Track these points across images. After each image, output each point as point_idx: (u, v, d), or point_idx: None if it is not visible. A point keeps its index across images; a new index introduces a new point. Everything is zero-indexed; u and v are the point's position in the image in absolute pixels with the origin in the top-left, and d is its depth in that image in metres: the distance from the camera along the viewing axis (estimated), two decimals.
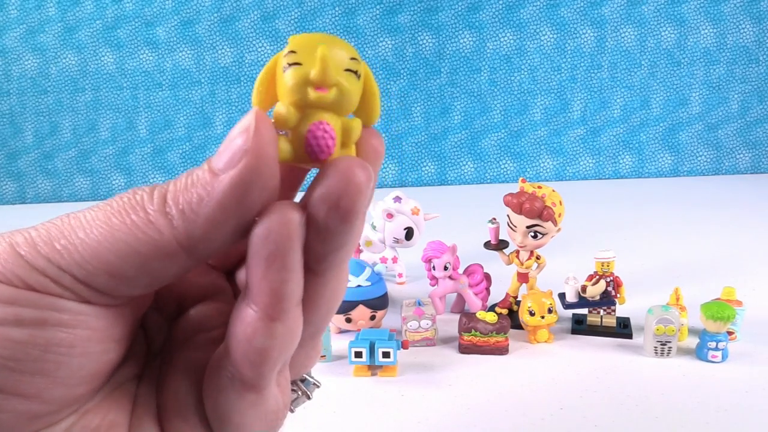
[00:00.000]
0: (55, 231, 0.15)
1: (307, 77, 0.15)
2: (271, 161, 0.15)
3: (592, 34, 1.57)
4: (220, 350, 0.17)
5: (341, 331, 0.73)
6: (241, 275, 0.20)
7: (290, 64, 0.15)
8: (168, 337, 0.19)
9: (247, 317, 0.15)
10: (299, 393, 0.21)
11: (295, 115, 0.15)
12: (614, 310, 0.74)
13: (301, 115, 0.16)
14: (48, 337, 0.15)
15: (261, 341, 0.15)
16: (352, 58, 0.16)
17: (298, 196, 0.17)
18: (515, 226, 0.70)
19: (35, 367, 0.14)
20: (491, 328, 0.66)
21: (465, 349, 0.67)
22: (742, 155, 1.64)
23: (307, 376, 0.22)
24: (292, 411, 0.20)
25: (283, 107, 0.15)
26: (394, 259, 0.89)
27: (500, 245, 0.76)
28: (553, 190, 0.70)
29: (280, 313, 0.15)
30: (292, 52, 0.16)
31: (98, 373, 0.16)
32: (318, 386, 0.22)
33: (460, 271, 0.78)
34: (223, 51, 1.60)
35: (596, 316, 0.73)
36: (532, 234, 0.70)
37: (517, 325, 0.72)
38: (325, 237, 0.15)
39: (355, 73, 0.16)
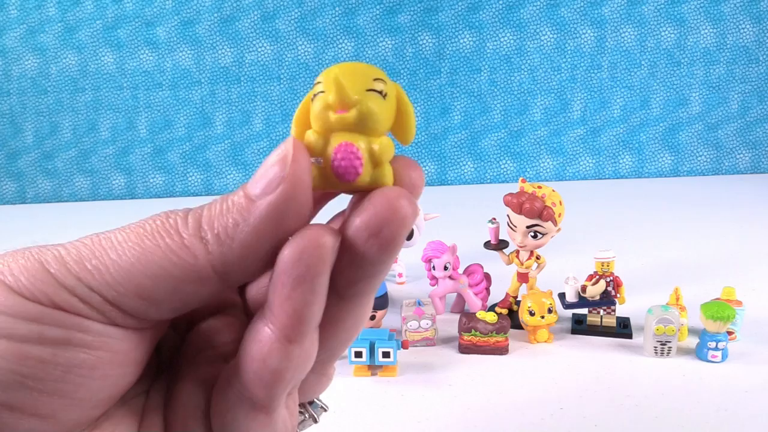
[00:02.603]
0: (86, 251, 0.15)
1: (328, 102, 0.15)
2: (306, 188, 0.15)
3: (592, 34, 1.57)
4: (232, 366, 0.16)
5: None
6: (252, 290, 0.19)
7: (315, 95, 0.16)
8: (177, 351, 0.19)
9: (263, 337, 0.15)
10: (306, 416, 0.21)
11: (318, 140, 0.16)
12: (614, 310, 0.74)
13: (325, 140, 0.16)
14: (70, 358, 0.14)
15: (276, 362, 0.15)
16: (377, 79, 0.16)
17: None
18: (515, 226, 0.70)
19: (55, 387, 0.14)
20: (491, 328, 0.66)
21: (465, 349, 0.67)
22: (742, 155, 1.64)
23: (315, 399, 0.22)
24: None
25: (309, 134, 0.16)
26: (395, 259, 0.89)
27: (500, 245, 0.76)
28: (553, 190, 0.70)
29: (299, 335, 0.15)
30: (318, 83, 0.16)
31: (115, 395, 0.16)
32: (326, 410, 0.22)
33: (460, 271, 0.78)
34: (223, 51, 1.60)
35: (596, 316, 0.73)
36: (532, 234, 0.70)
37: (517, 325, 0.72)
38: (360, 264, 0.15)
39: (380, 92, 0.16)
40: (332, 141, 0.16)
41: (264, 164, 0.15)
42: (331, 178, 0.16)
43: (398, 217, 0.15)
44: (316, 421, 0.21)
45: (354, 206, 0.16)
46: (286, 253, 0.15)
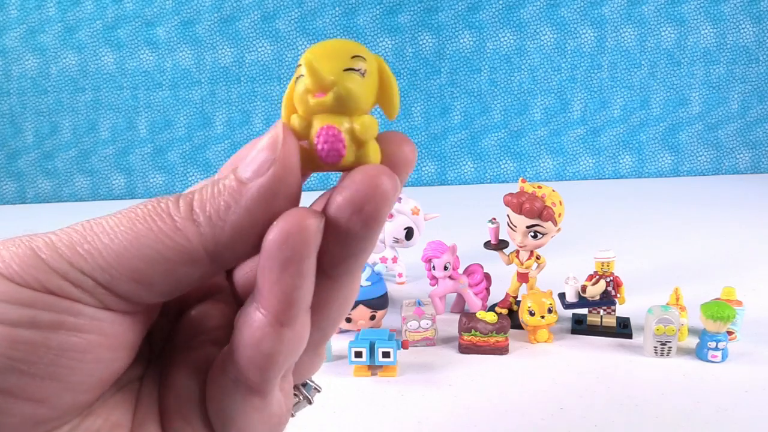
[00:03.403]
0: (77, 236, 0.15)
1: (306, 86, 0.16)
2: (295, 170, 0.15)
3: (592, 34, 1.57)
4: (225, 352, 0.17)
5: (341, 331, 0.73)
6: (238, 274, 0.19)
7: (298, 78, 0.16)
8: (169, 337, 0.19)
9: (255, 321, 0.15)
10: (300, 397, 0.21)
11: (300, 123, 0.16)
12: (614, 310, 0.74)
13: (308, 123, 0.16)
14: (62, 341, 0.15)
15: (269, 346, 0.15)
16: (355, 56, 0.16)
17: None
18: (515, 226, 0.70)
19: (47, 371, 0.14)
20: (491, 328, 0.66)
21: (465, 349, 0.67)
22: (742, 155, 1.64)
23: (308, 381, 0.22)
24: (293, 415, 0.20)
25: (294, 118, 0.16)
26: (394, 259, 0.89)
27: (500, 245, 0.76)
28: (553, 190, 0.70)
29: (290, 318, 0.15)
30: (299, 66, 0.16)
31: (107, 380, 0.16)
32: (319, 391, 0.22)
33: (460, 271, 0.78)
34: (223, 51, 1.60)
35: (596, 316, 0.73)
36: (532, 234, 0.70)
37: (517, 325, 0.72)
38: (345, 241, 0.15)
39: (358, 70, 0.16)
40: (314, 124, 0.16)
41: (254, 149, 0.15)
42: (317, 160, 0.16)
43: (379, 193, 0.15)
44: (310, 402, 0.22)
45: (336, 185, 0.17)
46: (271, 238, 0.15)
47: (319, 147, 0.16)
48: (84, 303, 0.15)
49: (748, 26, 1.56)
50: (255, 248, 0.16)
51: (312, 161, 0.16)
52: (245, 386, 0.16)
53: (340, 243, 0.15)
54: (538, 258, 0.74)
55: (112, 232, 0.15)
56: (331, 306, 0.17)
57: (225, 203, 0.15)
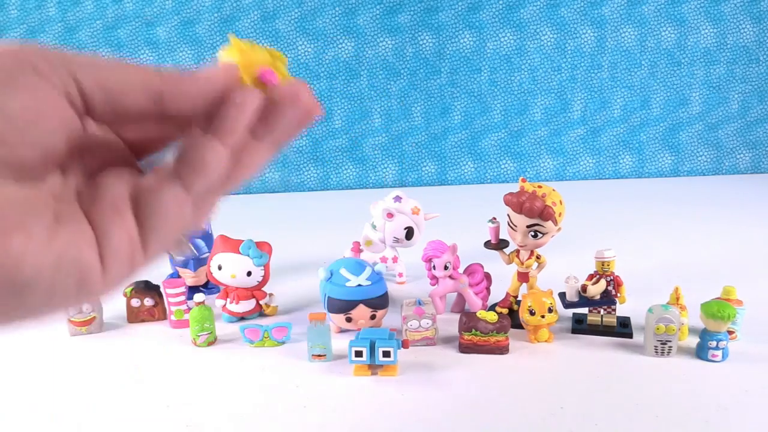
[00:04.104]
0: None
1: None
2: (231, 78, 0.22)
3: (592, 34, 1.57)
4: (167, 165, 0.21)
5: (341, 331, 0.73)
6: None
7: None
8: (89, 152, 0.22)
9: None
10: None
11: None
12: (614, 310, 0.74)
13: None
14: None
15: (241, 98, 0.21)
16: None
17: None
18: (515, 226, 0.70)
19: None
20: (491, 327, 0.66)
21: (465, 348, 0.67)
22: (742, 155, 1.64)
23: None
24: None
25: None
26: (395, 259, 0.89)
27: (500, 245, 0.76)
28: (553, 190, 0.70)
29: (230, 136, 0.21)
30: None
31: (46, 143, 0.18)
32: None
33: (461, 270, 0.78)
34: None
35: (596, 315, 0.73)
36: (533, 233, 0.70)
37: (518, 325, 0.72)
38: (276, 116, 0.22)
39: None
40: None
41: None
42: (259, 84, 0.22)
43: (302, 98, 0.22)
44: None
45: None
46: (239, 93, 0.21)
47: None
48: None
49: (748, 26, 1.56)
50: (189, 110, 0.21)
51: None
52: (178, 182, 0.20)
53: (274, 118, 0.22)
54: (538, 257, 0.74)
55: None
56: (246, 161, 0.22)
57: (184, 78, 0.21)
